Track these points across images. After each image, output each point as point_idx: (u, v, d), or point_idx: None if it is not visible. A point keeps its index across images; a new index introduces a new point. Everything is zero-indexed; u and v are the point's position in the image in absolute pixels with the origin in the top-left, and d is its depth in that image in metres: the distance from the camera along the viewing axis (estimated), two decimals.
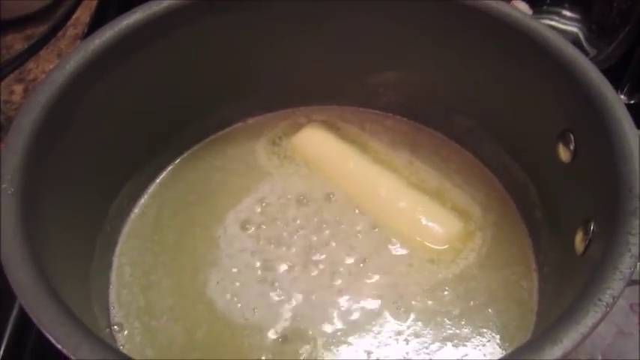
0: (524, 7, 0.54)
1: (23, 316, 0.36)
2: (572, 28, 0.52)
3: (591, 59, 0.53)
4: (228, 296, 0.34)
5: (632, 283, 0.39)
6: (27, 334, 0.36)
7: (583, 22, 0.51)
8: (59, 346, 0.19)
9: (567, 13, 0.52)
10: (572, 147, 0.30)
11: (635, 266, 0.21)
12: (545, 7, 0.53)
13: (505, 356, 0.19)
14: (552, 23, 0.53)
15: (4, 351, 0.35)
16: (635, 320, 0.36)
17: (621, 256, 0.21)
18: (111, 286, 0.34)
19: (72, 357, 0.19)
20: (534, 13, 0.54)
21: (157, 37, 0.33)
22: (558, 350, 0.19)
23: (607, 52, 0.51)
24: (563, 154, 0.31)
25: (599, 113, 0.27)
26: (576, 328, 0.19)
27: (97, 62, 0.30)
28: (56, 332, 0.19)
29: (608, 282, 0.20)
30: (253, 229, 0.37)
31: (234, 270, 0.35)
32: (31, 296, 0.20)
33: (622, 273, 0.20)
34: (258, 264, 0.35)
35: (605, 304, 0.20)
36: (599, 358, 0.34)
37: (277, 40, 0.38)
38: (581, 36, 0.52)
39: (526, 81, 0.33)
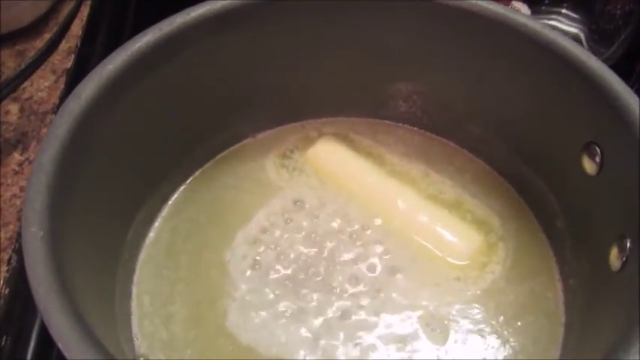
0: (523, 8, 0.54)
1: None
2: (573, 29, 0.52)
3: None
4: (248, 328, 0.33)
5: None
6: None
7: (584, 22, 0.51)
8: None
9: (567, 13, 0.52)
10: (597, 159, 0.30)
11: None
12: (543, 7, 0.53)
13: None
14: (553, 23, 0.53)
15: None
16: None
17: None
18: (133, 316, 0.33)
19: None
20: (533, 13, 0.53)
21: (167, 57, 0.32)
22: None
23: (607, 54, 0.52)
24: (589, 166, 0.31)
25: (626, 126, 0.27)
26: None
27: (111, 88, 0.29)
28: None
29: None
30: (262, 249, 0.36)
31: (249, 298, 0.34)
32: (67, 337, 0.20)
33: None
34: (272, 290, 0.34)
35: None
36: None
37: (285, 54, 0.37)
38: (582, 36, 0.52)
39: (546, 92, 0.33)
